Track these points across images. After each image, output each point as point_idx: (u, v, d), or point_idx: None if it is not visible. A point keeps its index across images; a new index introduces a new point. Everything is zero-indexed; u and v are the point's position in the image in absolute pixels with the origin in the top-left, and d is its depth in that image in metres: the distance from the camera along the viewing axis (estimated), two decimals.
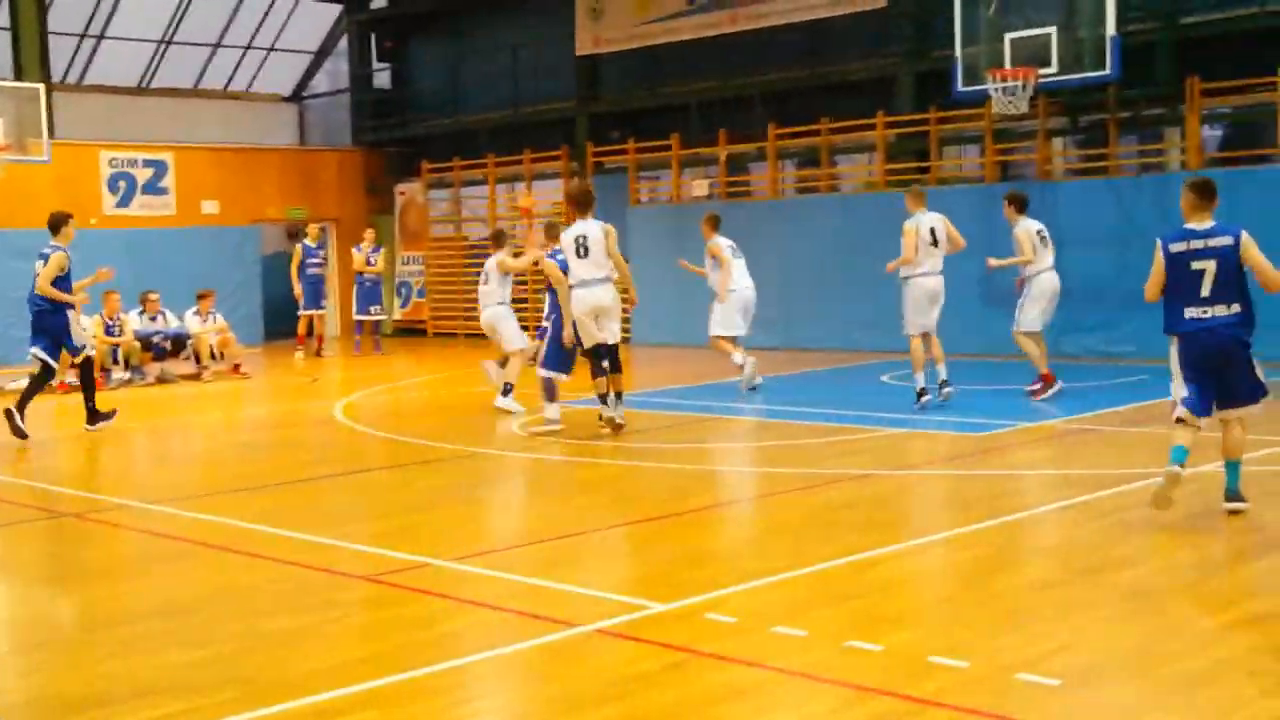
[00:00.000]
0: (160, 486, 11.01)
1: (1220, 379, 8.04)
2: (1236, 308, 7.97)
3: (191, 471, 12.35)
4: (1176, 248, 8.05)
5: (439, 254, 26.83)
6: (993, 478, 9.81)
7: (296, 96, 30.05)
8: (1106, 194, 17.05)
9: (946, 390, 13.15)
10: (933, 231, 13.36)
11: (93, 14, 26.29)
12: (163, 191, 25.07)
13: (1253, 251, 8.01)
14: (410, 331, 27.05)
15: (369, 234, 23.18)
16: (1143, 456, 10.61)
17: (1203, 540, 7.91)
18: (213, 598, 7.22)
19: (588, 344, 12.47)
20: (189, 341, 19.53)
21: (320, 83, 30.28)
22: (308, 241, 22.62)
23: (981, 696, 5.18)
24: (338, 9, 28.95)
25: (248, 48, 28.63)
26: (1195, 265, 7.95)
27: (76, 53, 26.68)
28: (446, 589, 7.14)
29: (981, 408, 13.40)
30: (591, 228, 12.27)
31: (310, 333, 22.68)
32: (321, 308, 22.71)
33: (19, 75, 23.39)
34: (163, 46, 27.57)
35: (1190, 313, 7.95)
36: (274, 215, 26.79)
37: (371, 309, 22.80)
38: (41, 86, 21.87)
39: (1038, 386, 13.67)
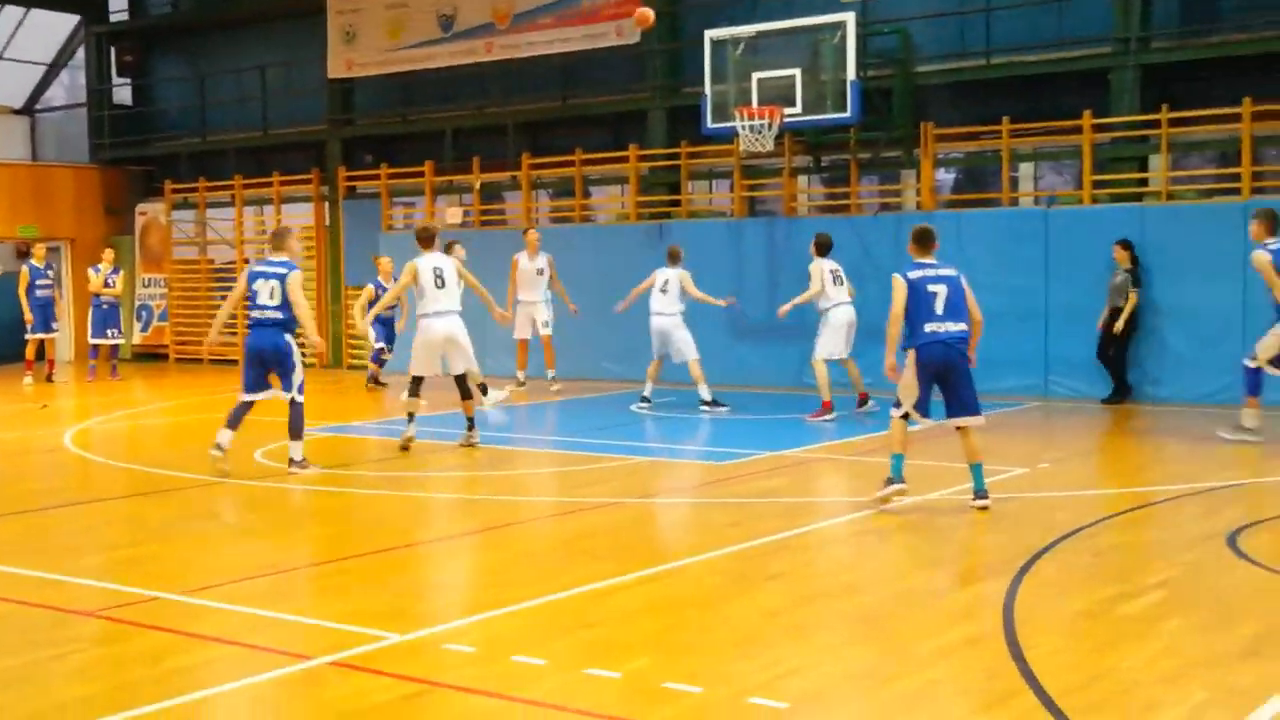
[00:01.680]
0: None
1: (950, 388, 9.56)
2: (963, 326, 9.50)
3: None
4: (914, 274, 9.53)
5: (182, 277, 25.95)
6: (732, 505, 10.05)
7: (28, 109, 28.65)
8: (848, 231, 17.70)
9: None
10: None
11: None
12: None
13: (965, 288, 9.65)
14: (151, 357, 26.07)
15: (108, 254, 22.26)
16: (875, 485, 11.04)
17: (926, 567, 8.28)
18: None
19: (421, 372, 13.04)
20: None
21: (55, 95, 28.97)
22: (34, 262, 21.55)
23: None
24: (74, 19, 27.76)
25: None
26: (931, 289, 9.44)
27: None
28: (177, 623, 6.90)
29: (726, 437, 13.73)
30: (445, 260, 12.94)
31: (40, 357, 21.60)
32: (52, 331, 21.67)
33: None
34: None
35: (929, 327, 9.39)
36: (3, 233, 25.49)
37: (109, 332, 21.88)
38: None
39: (818, 411, 14.65)
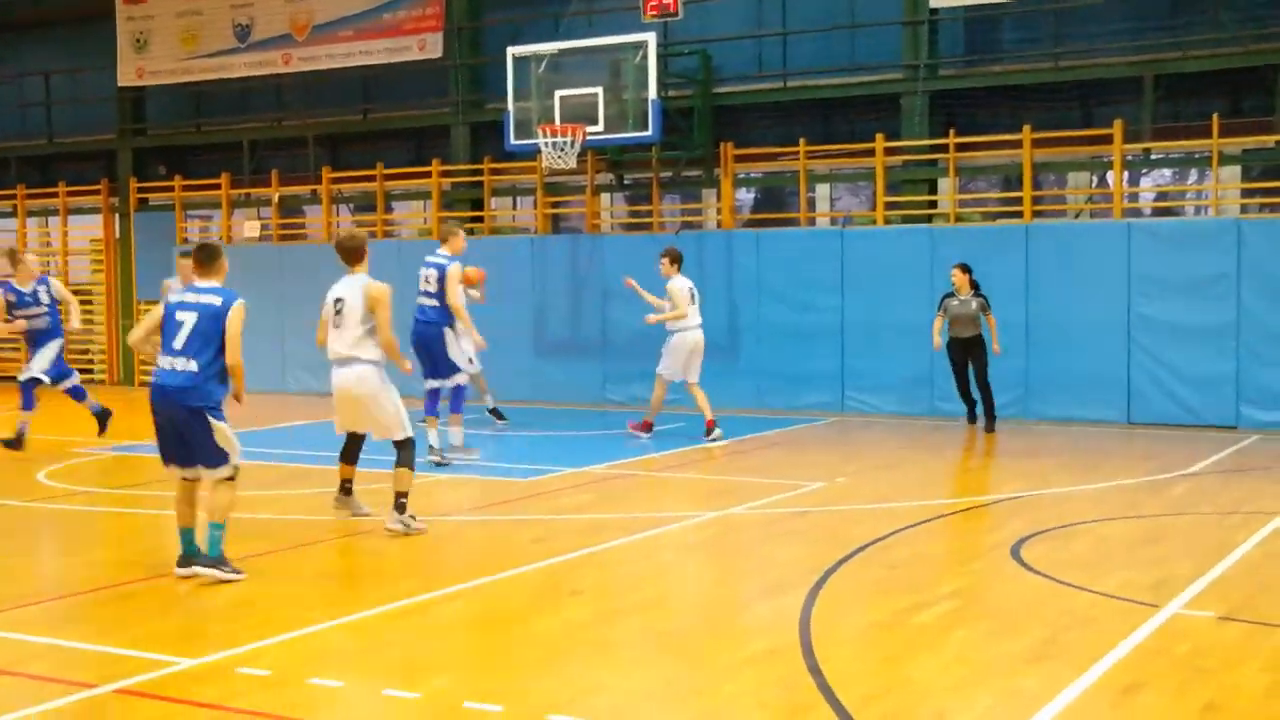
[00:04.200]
0: None
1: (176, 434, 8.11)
2: (194, 365, 7.96)
3: None
4: (176, 299, 8.13)
5: None
6: (535, 522, 10.02)
7: None
8: (650, 249, 17.82)
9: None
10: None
11: None
12: None
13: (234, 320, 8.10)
14: None
15: None
16: (678, 500, 11.15)
17: (726, 581, 8.39)
18: None
19: (339, 430, 10.06)
20: None
21: None
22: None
23: None
24: None
25: None
26: (179, 317, 8.03)
27: None
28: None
29: (528, 453, 13.70)
30: (352, 289, 9.53)
31: None
32: None
33: None
34: None
35: (161, 361, 8.01)
36: None
37: None
38: None
39: (638, 424, 14.62)
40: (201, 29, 22.24)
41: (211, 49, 22.16)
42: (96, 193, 23.13)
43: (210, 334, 8.04)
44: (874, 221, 17.50)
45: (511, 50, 17.87)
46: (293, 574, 8.41)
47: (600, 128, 17.19)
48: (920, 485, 11.94)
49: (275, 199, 21.40)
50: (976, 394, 15.08)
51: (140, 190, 22.83)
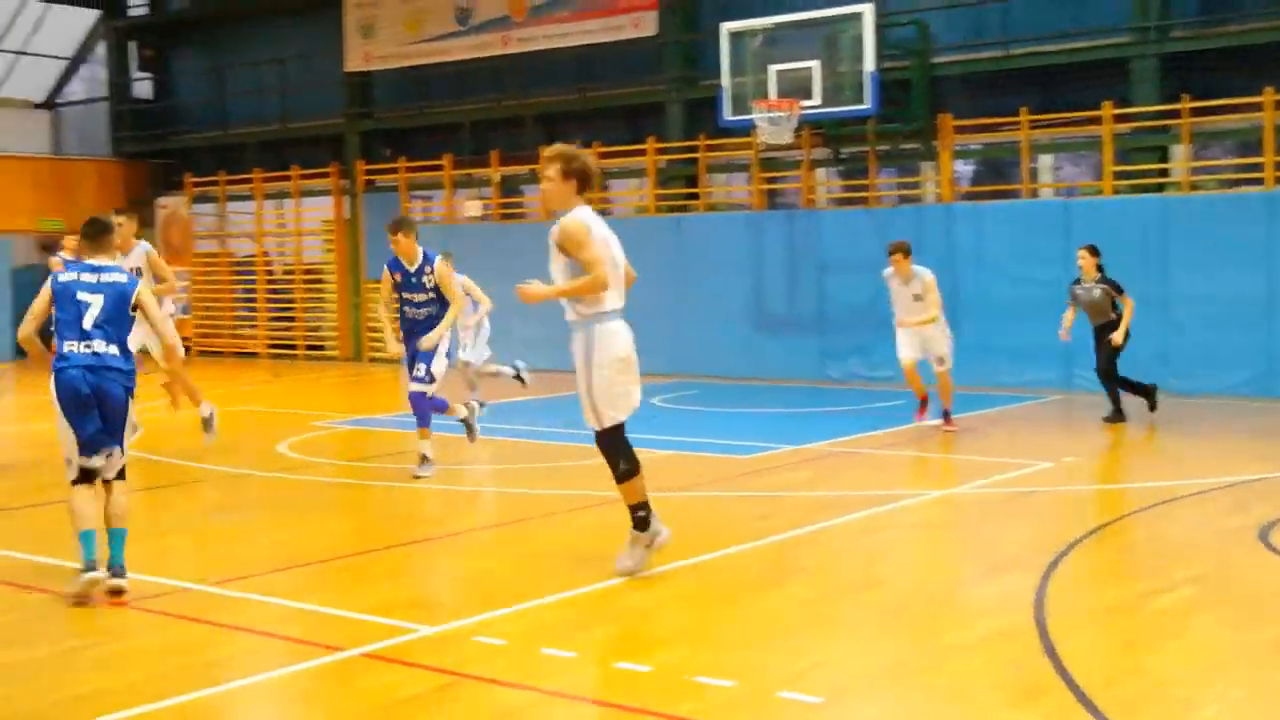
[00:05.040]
0: None
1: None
2: (115, 349, 7.45)
3: None
4: (66, 277, 7.54)
5: (203, 271, 26.03)
6: (757, 499, 10.05)
7: (50, 103, 28.74)
8: (866, 223, 17.69)
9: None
10: None
11: None
12: None
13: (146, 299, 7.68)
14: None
15: (68, 242, 22.29)
16: (899, 478, 11.04)
17: (953, 560, 8.28)
18: None
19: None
20: None
21: (75, 90, 29.07)
22: (64, 254, 21.62)
23: (745, 714, 5.30)
24: (95, 14, 27.84)
25: None
26: (83, 297, 7.45)
27: None
28: (208, 614, 6.93)
29: (749, 430, 13.73)
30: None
31: None
32: None
33: None
34: None
35: (69, 347, 7.38)
36: (25, 226, 25.56)
37: None
38: None
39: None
40: (424, 14, 22.86)
41: (434, 33, 22.76)
42: (327, 175, 24.03)
43: (123, 314, 7.53)
44: (1100, 191, 16.94)
45: (726, 26, 17.88)
46: (520, 547, 8.61)
47: (816, 101, 17.08)
48: (1151, 466, 11.55)
49: (495, 178, 21.88)
50: (1134, 384, 13.88)
51: (367, 172, 23.63)
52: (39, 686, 5.85)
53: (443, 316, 11.16)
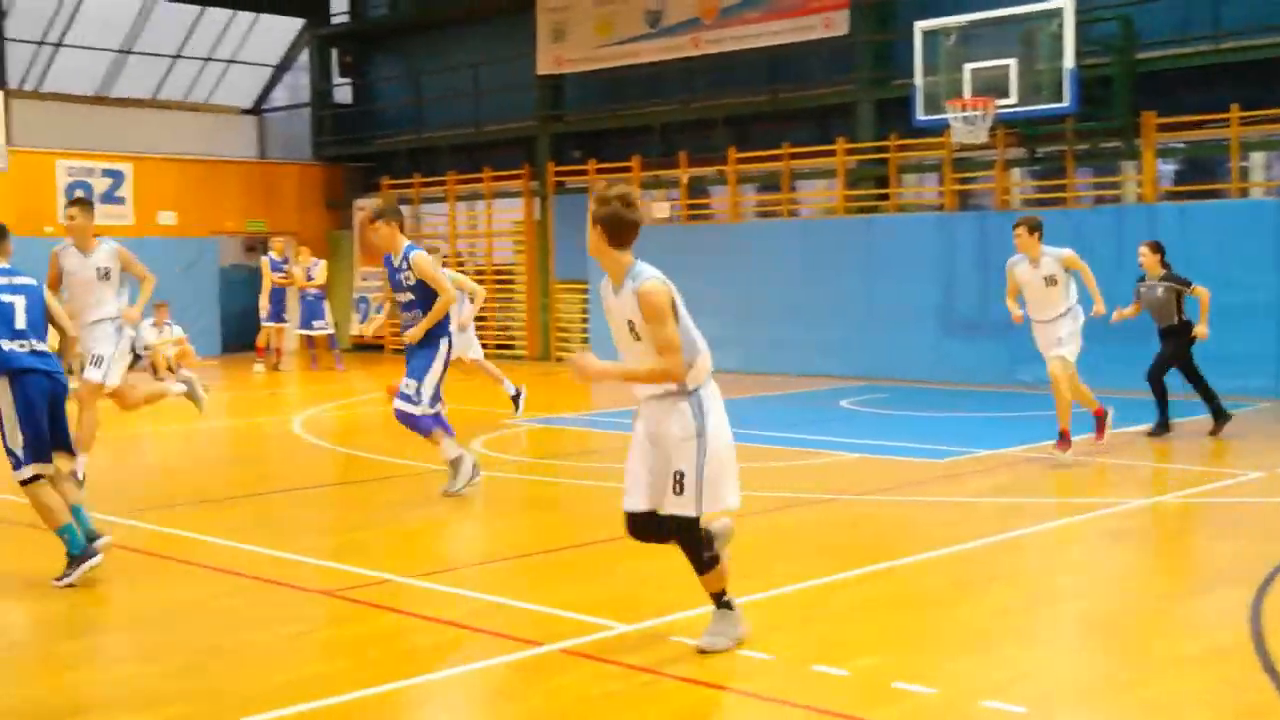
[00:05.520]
0: (120, 499, 10.87)
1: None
2: (45, 346, 7.69)
3: (151, 484, 12.22)
4: None
5: None
6: (951, 504, 9.89)
7: (257, 109, 29.90)
8: (1063, 224, 17.23)
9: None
10: None
11: (51, 21, 26.07)
12: (120, 201, 24.89)
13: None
14: (368, 348, 26.94)
15: (305, 250, 23.17)
16: (1095, 486, 10.74)
17: (1158, 572, 8.02)
18: (174, 611, 7.16)
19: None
20: (145, 353, 19.37)
21: (280, 96, 30.17)
22: (273, 255, 22.60)
23: None
24: (299, 23, 28.86)
25: (208, 59, 28.48)
26: (6, 299, 7.64)
27: (34, 59, 26.45)
28: (408, 605, 7.13)
29: (939, 434, 13.51)
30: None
31: (269, 346, 22.64)
32: (283, 321, 22.63)
33: None
34: (122, 55, 27.38)
35: (6, 345, 7.51)
36: (232, 227, 26.64)
37: (314, 324, 22.72)
38: (0, 94, 21.68)
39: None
40: (615, 17, 23.08)
41: (624, 36, 22.96)
42: (518, 177, 24.46)
43: (42, 314, 7.80)
44: None
45: (920, 24, 17.63)
46: None
47: (1012, 100, 16.72)
48: None
49: (684, 180, 21.97)
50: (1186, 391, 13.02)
51: (557, 174, 23.97)
52: (266, 669, 6.10)
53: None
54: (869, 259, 19.10)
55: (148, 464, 13.60)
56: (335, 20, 28.91)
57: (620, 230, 6.02)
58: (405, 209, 26.57)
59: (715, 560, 6.19)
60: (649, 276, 5.96)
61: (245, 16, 28.03)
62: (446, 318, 10.31)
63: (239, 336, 25.08)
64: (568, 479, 11.42)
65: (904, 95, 18.32)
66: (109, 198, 24.73)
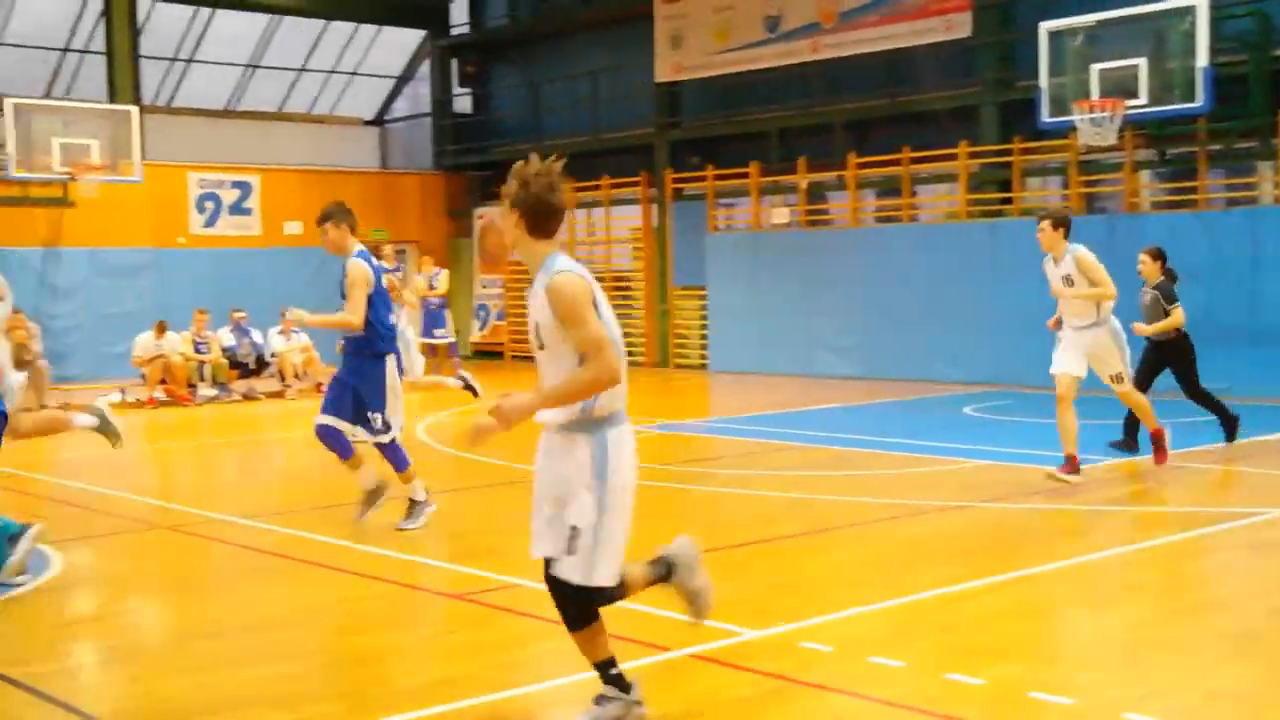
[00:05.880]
0: (249, 502, 11.14)
1: None
2: None
3: (279, 487, 12.49)
4: None
5: (518, 278, 26.99)
6: (1082, 512, 9.69)
7: (379, 120, 30.40)
8: (1194, 226, 16.83)
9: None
10: None
11: (182, 39, 26.78)
12: (248, 212, 25.47)
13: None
14: (487, 354, 27.21)
15: (428, 259, 23.46)
16: (1235, 494, 10.45)
17: None
18: (303, 612, 7.30)
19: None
20: (273, 359, 19.78)
21: (401, 107, 30.63)
22: (382, 263, 22.86)
23: None
24: (421, 34, 29.29)
25: (332, 72, 29.04)
26: None
27: (166, 76, 27.19)
28: (537, 610, 7.14)
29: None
30: None
31: None
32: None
33: (112, 98, 23.91)
34: (249, 70, 28.03)
35: None
36: (356, 237, 27.11)
37: (435, 332, 22.98)
38: (134, 109, 22.34)
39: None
40: (733, 23, 23.06)
41: (742, 41, 22.92)
42: (636, 184, 24.53)
43: None
44: None
45: (1045, 25, 17.32)
46: (837, 554, 8.56)
47: (1142, 100, 16.35)
48: None
49: (802, 185, 21.86)
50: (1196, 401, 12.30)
51: (675, 181, 23.99)
52: (402, 670, 6.20)
53: (366, 338, 9.48)
54: (992, 264, 18.81)
55: (275, 468, 13.89)
56: (456, 31, 29.28)
57: (542, 217, 5.13)
58: None
59: (591, 619, 5.22)
60: (561, 268, 5.02)
61: (368, 29, 28.52)
62: (384, 335, 9.55)
63: None
64: (690, 485, 11.40)
65: (1028, 97, 18.03)
66: (237, 209, 25.33)
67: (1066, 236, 10.55)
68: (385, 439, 9.43)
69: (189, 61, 27.24)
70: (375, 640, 6.70)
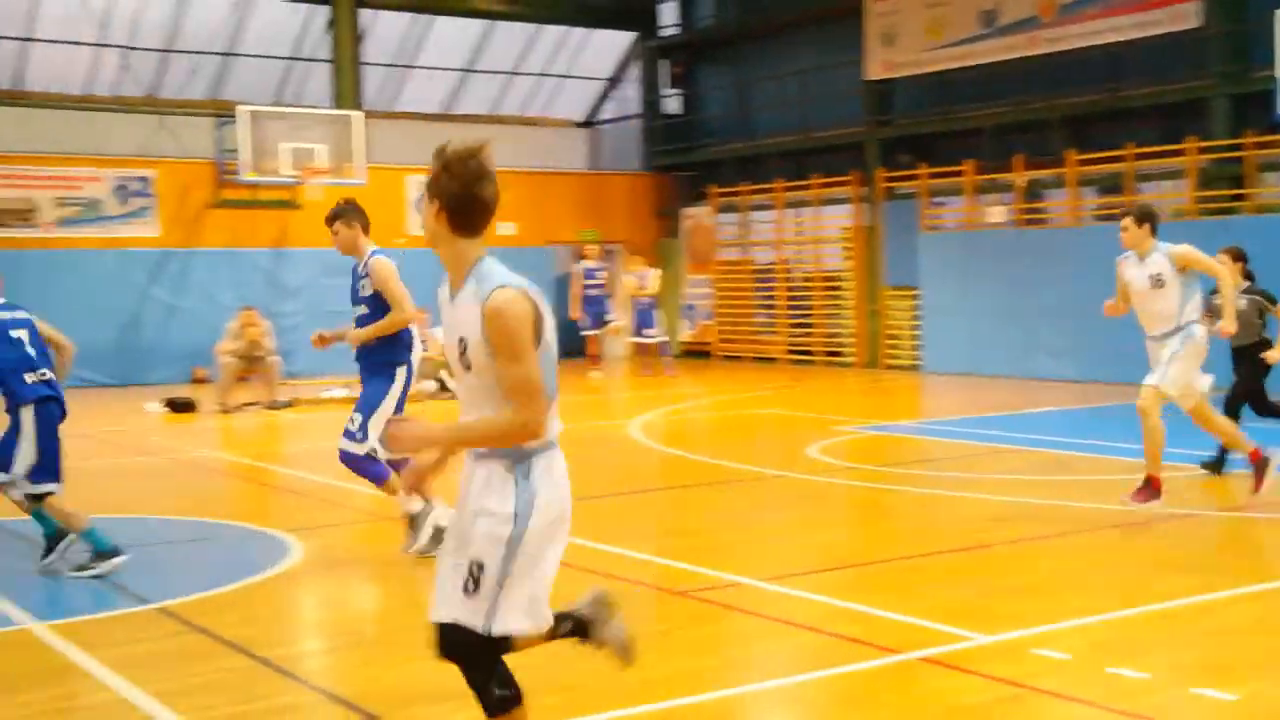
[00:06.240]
0: None
1: None
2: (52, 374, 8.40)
3: None
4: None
5: (726, 278, 27.04)
6: None
7: (589, 122, 30.81)
8: None
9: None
10: None
11: (401, 45, 27.58)
12: None
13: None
14: (696, 354, 27.31)
15: (638, 259, 23.69)
16: None
17: None
18: None
19: None
20: None
21: (610, 108, 30.98)
22: (587, 263, 23.22)
23: None
24: (630, 37, 29.57)
25: (543, 75, 29.53)
26: (15, 334, 8.34)
27: (386, 81, 28.04)
28: (761, 608, 7.16)
29: None
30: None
31: (600, 352, 23.31)
32: (605, 325, 23.17)
33: (337, 104, 24.80)
34: (465, 75, 28.70)
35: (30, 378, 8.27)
36: (566, 237, 27.51)
37: (645, 332, 23.20)
38: (358, 114, 23.13)
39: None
40: (947, 19, 22.65)
41: (957, 37, 22.49)
42: (846, 183, 24.30)
43: (42, 342, 8.49)
44: None
45: None
46: (1071, 560, 8.32)
47: None
48: None
49: (1019, 183, 21.34)
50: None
51: (887, 180, 23.69)
52: (638, 663, 6.25)
53: (388, 343, 8.56)
54: None
55: None
56: (664, 32, 29.48)
57: (469, 212, 4.19)
58: (734, 216, 26.94)
59: (508, 703, 4.34)
60: (503, 282, 4.10)
61: (579, 32, 28.92)
62: (406, 344, 8.62)
63: (570, 343, 25.83)
64: (906, 486, 11.24)
65: (1264, 89, 17.26)
66: None
67: (1154, 233, 9.61)
68: (359, 448, 8.40)
69: (408, 67, 28.04)
70: None
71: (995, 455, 12.71)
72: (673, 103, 29.69)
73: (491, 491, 4.19)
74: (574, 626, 4.79)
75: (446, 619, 4.27)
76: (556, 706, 5.62)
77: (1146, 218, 9.58)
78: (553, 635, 4.64)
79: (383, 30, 26.74)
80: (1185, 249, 9.52)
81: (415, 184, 25.65)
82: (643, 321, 23.22)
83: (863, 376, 22.20)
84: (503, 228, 26.37)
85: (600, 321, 23.08)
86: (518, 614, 4.23)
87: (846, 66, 24.47)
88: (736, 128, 27.52)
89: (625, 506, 10.82)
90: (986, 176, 21.99)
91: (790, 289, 25.65)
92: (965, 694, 5.67)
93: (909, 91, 24.31)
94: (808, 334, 25.18)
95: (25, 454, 8.28)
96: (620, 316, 23.75)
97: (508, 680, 4.34)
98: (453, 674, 6.00)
